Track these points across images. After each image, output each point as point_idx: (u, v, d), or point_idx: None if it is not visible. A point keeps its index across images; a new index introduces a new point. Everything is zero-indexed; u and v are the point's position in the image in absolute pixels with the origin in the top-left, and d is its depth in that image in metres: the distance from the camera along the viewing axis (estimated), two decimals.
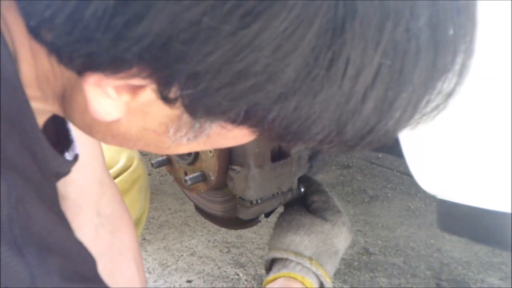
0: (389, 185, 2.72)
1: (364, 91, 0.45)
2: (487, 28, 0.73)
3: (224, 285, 2.02)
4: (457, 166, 0.84)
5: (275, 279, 1.04)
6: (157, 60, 0.43)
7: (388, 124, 0.49)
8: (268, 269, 1.09)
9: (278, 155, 1.23)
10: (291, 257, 1.05)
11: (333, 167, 2.83)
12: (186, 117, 0.50)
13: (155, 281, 2.04)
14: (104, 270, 0.96)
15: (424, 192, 0.94)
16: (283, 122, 0.47)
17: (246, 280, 2.04)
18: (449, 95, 0.50)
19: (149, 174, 2.75)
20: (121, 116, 0.50)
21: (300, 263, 1.04)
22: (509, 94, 0.74)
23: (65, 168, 0.64)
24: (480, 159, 0.81)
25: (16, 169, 0.46)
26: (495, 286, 2.01)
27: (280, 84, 0.44)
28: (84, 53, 0.45)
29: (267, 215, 1.37)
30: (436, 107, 0.51)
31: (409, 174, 0.92)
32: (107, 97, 0.48)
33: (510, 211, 0.82)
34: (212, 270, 2.09)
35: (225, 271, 2.08)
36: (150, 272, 2.08)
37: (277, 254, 1.07)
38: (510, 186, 0.79)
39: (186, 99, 0.46)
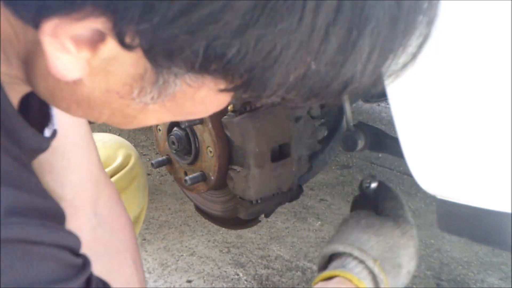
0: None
1: (326, 27, 0.44)
2: (487, 28, 0.73)
3: (224, 285, 2.02)
4: (457, 166, 0.84)
5: (329, 277, 0.94)
6: None
7: (354, 70, 0.47)
8: (323, 267, 0.99)
9: (278, 155, 1.23)
10: (355, 252, 0.95)
11: (333, 167, 2.83)
12: (149, 75, 0.49)
13: (155, 281, 2.04)
14: (102, 270, 0.96)
15: (424, 192, 0.94)
16: (246, 62, 0.45)
17: (246, 280, 2.04)
18: (420, 45, 0.49)
19: (149, 174, 2.76)
20: (82, 75, 0.49)
21: (363, 262, 0.94)
22: (509, 94, 0.74)
23: (39, 144, 0.62)
24: (480, 159, 0.81)
25: None
26: (495, 286, 2.01)
27: (237, 13, 0.43)
28: None
29: (267, 215, 1.37)
30: (409, 58, 0.49)
31: (409, 174, 0.92)
32: (66, 52, 0.46)
33: (510, 211, 0.82)
34: (212, 270, 2.09)
35: (225, 271, 2.08)
36: (150, 272, 2.08)
37: (340, 248, 0.97)
38: (510, 186, 0.79)
39: (142, 37, 0.45)
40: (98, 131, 1.41)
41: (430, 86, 0.81)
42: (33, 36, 0.50)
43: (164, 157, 1.37)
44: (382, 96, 1.53)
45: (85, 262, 0.54)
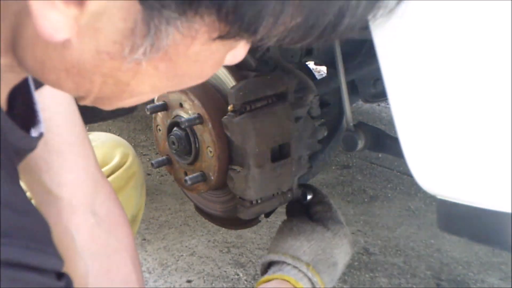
0: (389, 185, 2.72)
1: None
2: (487, 28, 0.73)
3: (224, 285, 2.02)
4: (457, 166, 0.84)
5: (268, 280, 1.03)
6: None
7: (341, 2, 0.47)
8: (264, 272, 1.09)
9: (278, 155, 1.23)
10: (288, 260, 1.04)
11: (333, 167, 2.83)
12: (139, 27, 0.48)
13: (155, 281, 2.04)
14: (100, 269, 0.96)
15: (424, 192, 0.94)
16: None
17: (246, 280, 2.04)
18: None
19: (149, 174, 2.75)
20: (71, 35, 0.48)
21: (296, 267, 1.03)
22: (509, 94, 0.74)
23: (27, 145, 0.61)
24: (480, 159, 0.81)
25: None
26: (495, 286, 2.01)
27: None
28: None
29: (267, 215, 1.37)
30: None
31: (409, 174, 0.92)
32: (54, 10, 0.46)
33: (510, 211, 0.82)
34: (212, 270, 2.09)
35: (225, 271, 2.08)
36: (150, 272, 2.08)
37: (274, 257, 1.06)
38: (510, 186, 0.79)
39: None
40: (98, 131, 1.41)
41: (430, 86, 0.81)
42: (17, 7, 0.49)
43: (164, 157, 1.37)
44: (382, 96, 1.53)
45: (67, 285, 0.53)
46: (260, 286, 1.01)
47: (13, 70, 0.56)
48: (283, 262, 1.04)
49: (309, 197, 1.21)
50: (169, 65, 0.52)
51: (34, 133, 0.63)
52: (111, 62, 0.51)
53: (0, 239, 0.44)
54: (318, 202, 1.17)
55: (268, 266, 1.08)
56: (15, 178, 0.53)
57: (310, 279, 1.02)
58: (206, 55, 0.52)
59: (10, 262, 0.45)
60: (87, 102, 0.57)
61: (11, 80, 0.58)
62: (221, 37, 0.49)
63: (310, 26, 0.48)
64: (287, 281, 1.01)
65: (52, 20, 0.46)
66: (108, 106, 0.58)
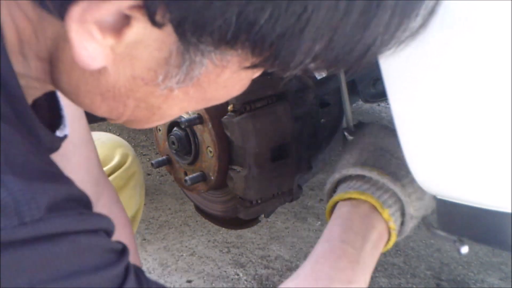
0: None
1: None
2: (487, 28, 0.73)
3: (224, 285, 2.02)
4: (457, 166, 0.84)
5: (335, 202, 0.92)
6: None
7: (376, 32, 0.48)
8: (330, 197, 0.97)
9: (278, 155, 1.23)
10: (336, 175, 0.93)
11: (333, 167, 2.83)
12: (174, 57, 0.49)
13: None
14: None
15: None
16: (276, 27, 0.45)
17: (246, 280, 2.04)
18: (433, 7, 0.49)
19: (149, 174, 2.75)
20: (107, 63, 0.49)
21: (350, 176, 0.93)
22: (509, 94, 0.74)
23: (52, 143, 0.62)
24: (480, 159, 0.81)
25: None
26: (495, 286, 2.01)
27: None
28: None
29: (267, 215, 1.38)
30: (423, 21, 0.50)
31: None
32: (91, 40, 0.47)
33: (510, 211, 0.82)
34: (212, 270, 2.09)
35: (225, 271, 2.08)
36: (150, 272, 2.08)
37: (327, 186, 0.96)
38: (510, 186, 0.79)
39: (174, 10, 0.45)
40: (98, 131, 1.41)
41: (430, 86, 0.81)
42: (55, 31, 0.50)
43: (164, 157, 1.37)
44: (382, 96, 1.53)
45: (124, 248, 0.54)
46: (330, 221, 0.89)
47: (45, 83, 0.57)
48: (344, 178, 0.95)
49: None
50: (199, 90, 0.53)
51: (59, 133, 0.64)
52: (145, 88, 0.52)
53: (54, 213, 0.46)
54: (359, 126, 1.10)
55: (333, 191, 0.97)
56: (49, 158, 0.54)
57: (372, 179, 0.91)
58: (234, 81, 0.54)
59: (68, 231, 0.47)
60: (117, 122, 0.59)
61: (37, 93, 0.59)
62: (252, 67, 0.51)
63: (338, 60, 0.50)
64: (350, 198, 0.90)
65: (89, 49, 0.47)
66: (137, 127, 0.61)
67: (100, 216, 0.52)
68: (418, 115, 0.85)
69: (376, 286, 2.04)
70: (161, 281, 2.04)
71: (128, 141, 1.40)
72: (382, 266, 2.13)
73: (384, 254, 2.20)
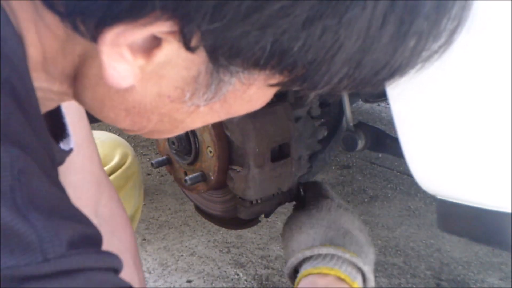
0: (389, 185, 2.72)
1: (384, 14, 0.45)
2: (487, 28, 0.73)
3: (224, 285, 2.02)
4: (457, 166, 0.84)
5: (302, 277, 0.97)
6: None
7: (403, 56, 0.49)
8: (293, 278, 1.03)
9: (278, 155, 1.23)
10: (306, 253, 0.99)
11: (333, 167, 2.83)
12: (202, 77, 0.50)
13: (155, 281, 2.04)
14: None
15: (424, 192, 0.94)
16: (308, 54, 0.46)
17: (246, 280, 2.04)
18: (454, 29, 0.50)
19: (149, 174, 2.76)
20: (135, 82, 0.50)
21: (319, 254, 0.98)
22: (509, 94, 0.74)
23: (60, 158, 0.63)
24: (480, 159, 0.81)
25: (19, 144, 0.46)
26: (495, 286, 2.01)
27: (306, 6, 0.43)
28: (102, 3, 0.44)
29: (267, 215, 1.37)
30: (443, 43, 0.51)
31: (409, 174, 0.92)
32: (122, 61, 0.47)
33: (510, 211, 0.82)
34: (212, 270, 2.09)
35: (225, 271, 2.08)
36: (150, 272, 2.08)
37: (293, 260, 1.02)
38: (510, 186, 0.79)
39: (209, 38, 0.45)
40: (98, 130, 1.41)
41: (430, 86, 0.81)
42: (82, 49, 0.51)
43: (164, 157, 1.37)
44: (382, 96, 1.53)
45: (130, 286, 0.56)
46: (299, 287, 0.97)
47: (68, 97, 0.58)
48: (303, 259, 1.00)
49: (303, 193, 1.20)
50: (224, 106, 0.54)
51: (63, 146, 0.64)
52: (171, 105, 0.53)
53: (74, 251, 0.47)
54: (309, 188, 1.17)
55: (294, 274, 1.03)
56: (63, 188, 0.55)
57: (333, 255, 0.97)
58: (259, 96, 0.55)
59: (87, 268, 0.48)
60: (138, 133, 0.60)
61: (52, 105, 0.60)
62: (278, 85, 0.52)
63: (364, 82, 0.51)
64: (320, 272, 0.96)
65: (119, 70, 0.48)
66: (158, 137, 0.61)
67: (112, 255, 0.54)
68: (418, 115, 0.85)
69: (376, 286, 2.04)
70: (161, 281, 2.04)
71: (128, 141, 1.40)
72: (382, 266, 2.13)
73: (384, 254, 2.20)
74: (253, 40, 0.45)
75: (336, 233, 1.02)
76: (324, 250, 0.97)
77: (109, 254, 0.53)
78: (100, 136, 1.33)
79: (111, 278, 0.52)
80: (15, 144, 0.45)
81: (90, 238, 0.51)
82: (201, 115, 0.55)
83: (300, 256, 1.00)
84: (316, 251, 0.98)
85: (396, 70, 0.50)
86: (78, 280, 0.47)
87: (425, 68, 0.52)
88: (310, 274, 0.96)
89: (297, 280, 0.98)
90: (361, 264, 0.97)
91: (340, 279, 0.94)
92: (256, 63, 0.47)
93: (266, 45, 0.45)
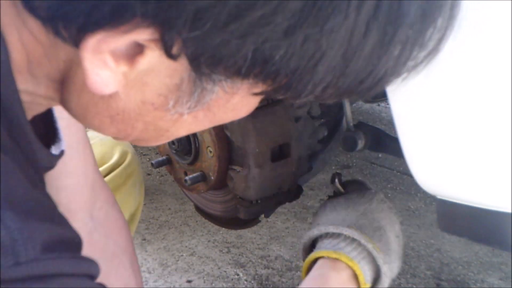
0: (389, 185, 2.72)
1: (367, 23, 0.45)
2: (487, 27, 0.73)
3: (224, 285, 2.02)
4: (457, 166, 0.84)
5: (314, 259, 0.93)
6: (162, 0, 0.43)
7: (387, 65, 0.49)
8: (307, 252, 0.98)
9: (278, 155, 1.23)
10: (330, 228, 0.94)
11: (333, 167, 2.83)
12: (185, 85, 0.50)
13: (155, 281, 2.04)
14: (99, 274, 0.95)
15: (424, 192, 0.94)
16: (290, 63, 0.46)
17: (246, 280, 2.04)
18: (440, 39, 0.50)
19: (149, 174, 2.75)
20: (119, 88, 0.49)
21: (340, 235, 0.94)
22: (509, 94, 0.74)
23: (50, 163, 0.62)
24: (480, 159, 0.81)
25: None
26: (495, 286, 2.01)
27: (288, 14, 0.43)
28: (83, 9, 0.44)
29: (267, 215, 1.37)
30: (430, 51, 0.50)
31: (409, 174, 0.92)
32: (105, 68, 0.47)
33: (510, 211, 0.82)
34: (212, 270, 2.09)
35: (225, 271, 2.08)
36: (150, 272, 2.08)
37: (314, 231, 0.97)
38: (510, 186, 0.79)
39: (190, 46, 0.45)
40: None
41: (430, 86, 0.81)
42: (66, 55, 0.51)
43: (164, 157, 1.37)
44: (382, 96, 1.53)
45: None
46: (309, 276, 0.91)
47: (54, 101, 0.57)
48: (325, 234, 0.96)
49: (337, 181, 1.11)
50: (208, 114, 0.54)
51: (54, 150, 0.63)
52: (155, 112, 0.53)
53: (50, 255, 0.47)
54: (351, 182, 1.12)
55: (309, 250, 0.99)
56: (45, 190, 0.55)
57: (357, 242, 0.92)
58: (243, 105, 0.55)
59: (62, 273, 0.48)
60: (123, 141, 0.59)
61: (40, 109, 0.59)
62: (261, 93, 0.52)
63: (349, 91, 0.51)
64: (337, 258, 0.91)
65: (102, 76, 0.48)
66: (144, 145, 0.61)
67: (89, 261, 0.53)
68: (418, 115, 0.85)
69: None
70: (161, 281, 2.04)
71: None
72: None
73: None
74: (234, 49, 0.45)
75: (369, 223, 0.96)
76: (347, 232, 0.92)
77: (85, 260, 0.52)
78: (99, 134, 1.32)
79: (86, 284, 0.51)
80: None
81: (68, 242, 0.51)
82: (185, 124, 0.55)
83: (322, 229, 0.96)
84: (339, 229, 0.93)
85: (381, 79, 0.50)
86: (51, 285, 0.46)
87: (411, 77, 0.52)
88: (327, 256, 0.92)
89: (311, 255, 0.94)
90: (380, 262, 0.93)
91: (354, 276, 0.91)
92: (238, 72, 0.47)
93: (247, 53, 0.45)
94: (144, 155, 2.95)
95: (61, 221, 0.52)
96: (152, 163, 1.38)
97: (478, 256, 2.16)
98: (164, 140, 0.59)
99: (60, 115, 0.68)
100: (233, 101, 0.53)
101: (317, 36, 0.45)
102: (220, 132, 1.21)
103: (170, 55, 0.46)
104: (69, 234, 0.52)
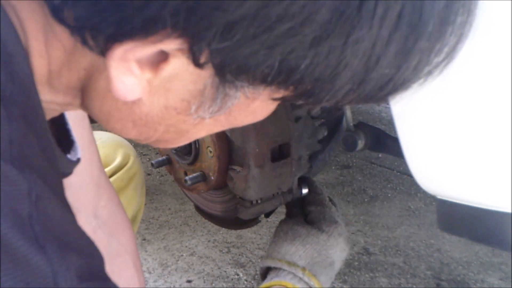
0: (389, 185, 2.72)
1: (389, 33, 0.46)
2: (487, 28, 0.73)
3: (224, 285, 2.02)
4: (457, 166, 0.84)
5: (267, 287, 1.05)
6: (193, 13, 0.43)
7: (406, 73, 0.50)
8: (263, 276, 1.10)
9: (278, 155, 1.23)
10: (285, 266, 1.06)
11: (333, 167, 2.83)
12: (208, 90, 0.50)
13: (155, 281, 2.04)
14: None
15: (424, 192, 0.94)
16: (315, 72, 0.47)
17: (246, 280, 2.04)
18: (455, 47, 0.51)
19: (149, 174, 2.76)
20: (143, 95, 0.50)
21: (292, 273, 1.05)
22: (509, 94, 0.74)
23: (68, 169, 0.64)
24: (480, 159, 0.81)
25: (34, 168, 0.46)
26: (495, 286, 2.01)
27: (315, 26, 0.44)
28: (113, 21, 0.45)
29: (267, 215, 1.37)
30: (445, 58, 0.52)
31: (409, 174, 0.92)
32: (130, 75, 0.48)
33: (510, 211, 0.82)
34: (212, 270, 2.09)
35: (225, 271, 2.08)
36: (150, 272, 2.08)
37: (271, 263, 1.08)
38: (510, 186, 0.79)
39: (218, 56, 0.46)
40: (99, 130, 1.41)
41: (430, 86, 0.81)
42: (88, 63, 0.52)
43: (164, 157, 1.37)
44: None
45: None
46: None
47: (65, 109, 0.58)
48: (280, 268, 1.07)
49: (304, 191, 1.22)
50: (228, 118, 0.55)
51: (71, 157, 0.64)
52: (178, 117, 0.54)
53: (85, 284, 0.48)
54: (313, 201, 1.19)
55: (266, 271, 1.10)
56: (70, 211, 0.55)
57: (307, 283, 1.04)
58: (262, 109, 0.56)
59: None
60: (144, 143, 0.61)
61: (54, 114, 0.60)
62: (282, 99, 0.53)
63: (368, 97, 0.52)
64: (284, 286, 1.03)
65: (127, 83, 0.48)
66: (163, 146, 0.63)
67: (115, 286, 0.55)
68: (418, 115, 0.85)
69: (376, 286, 2.04)
70: (161, 281, 2.04)
71: (128, 141, 1.40)
72: (382, 266, 2.13)
73: (384, 254, 2.20)
74: (261, 59, 0.46)
75: (322, 260, 1.07)
76: (300, 274, 1.05)
77: (113, 285, 0.54)
78: (102, 136, 1.32)
79: None
80: (32, 170, 0.45)
81: (96, 270, 0.52)
82: (206, 126, 0.57)
83: (279, 264, 1.07)
84: (294, 270, 1.05)
85: (400, 86, 0.51)
86: None
87: (428, 82, 0.53)
88: (280, 285, 1.04)
89: (267, 283, 1.05)
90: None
91: None
92: (263, 80, 0.48)
93: (274, 63, 0.46)
94: (144, 155, 2.95)
95: (86, 244, 0.52)
96: (152, 163, 1.38)
97: (478, 256, 2.16)
98: (184, 141, 0.60)
99: (67, 113, 0.68)
100: (254, 106, 0.54)
101: (342, 47, 0.46)
102: (220, 132, 1.21)
103: (197, 64, 0.47)
104: (97, 262, 0.53)
